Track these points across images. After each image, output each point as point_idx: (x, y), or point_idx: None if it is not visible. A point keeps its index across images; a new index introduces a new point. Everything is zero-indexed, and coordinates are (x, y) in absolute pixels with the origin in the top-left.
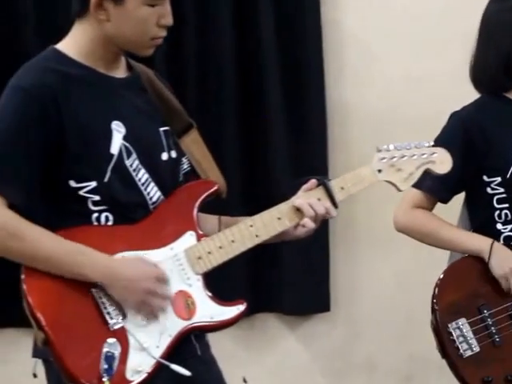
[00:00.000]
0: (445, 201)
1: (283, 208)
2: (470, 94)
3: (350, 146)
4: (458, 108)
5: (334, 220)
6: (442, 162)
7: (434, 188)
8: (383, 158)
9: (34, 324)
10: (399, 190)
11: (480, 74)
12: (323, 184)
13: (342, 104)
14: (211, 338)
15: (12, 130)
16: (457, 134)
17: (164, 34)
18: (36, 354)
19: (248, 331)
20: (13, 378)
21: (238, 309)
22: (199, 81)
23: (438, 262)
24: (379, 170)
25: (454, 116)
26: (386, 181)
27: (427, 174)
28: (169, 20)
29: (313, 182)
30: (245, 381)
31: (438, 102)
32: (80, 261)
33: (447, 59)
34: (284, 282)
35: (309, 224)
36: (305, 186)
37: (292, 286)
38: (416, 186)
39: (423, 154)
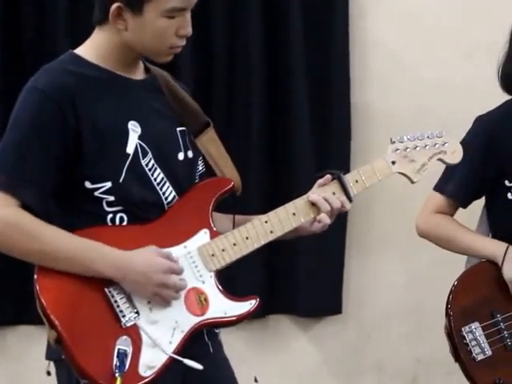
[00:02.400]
0: (465, 205)
1: (298, 203)
2: (497, 100)
3: (373, 151)
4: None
5: (349, 223)
6: (453, 152)
7: (455, 192)
8: (397, 150)
9: (47, 323)
10: (412, 182)
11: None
12: (338, 178)
13: (367, 109)
14: (224, 337)
15: (27, 131)
16: (479, 137)
17: (183, 43)
18: (49, 355)
19: (261, 332)
20: (28, 375)
21: (251, 304)
22: (226, 81)
23: (449, 266)
24: (393, 162)
25: (478, 120)
26: (399, 172)
27: (448, 177)
28: (188, 30)
29: (327, 176)
30: (256, 380)
31: (463, 108)
32: (91, 256)
33: (473, 66)
34: (298, 285)
35: (325, 219)
36: (319, 181)
37: (306, 288)
38: (438, 190)
39: (435, 144)
